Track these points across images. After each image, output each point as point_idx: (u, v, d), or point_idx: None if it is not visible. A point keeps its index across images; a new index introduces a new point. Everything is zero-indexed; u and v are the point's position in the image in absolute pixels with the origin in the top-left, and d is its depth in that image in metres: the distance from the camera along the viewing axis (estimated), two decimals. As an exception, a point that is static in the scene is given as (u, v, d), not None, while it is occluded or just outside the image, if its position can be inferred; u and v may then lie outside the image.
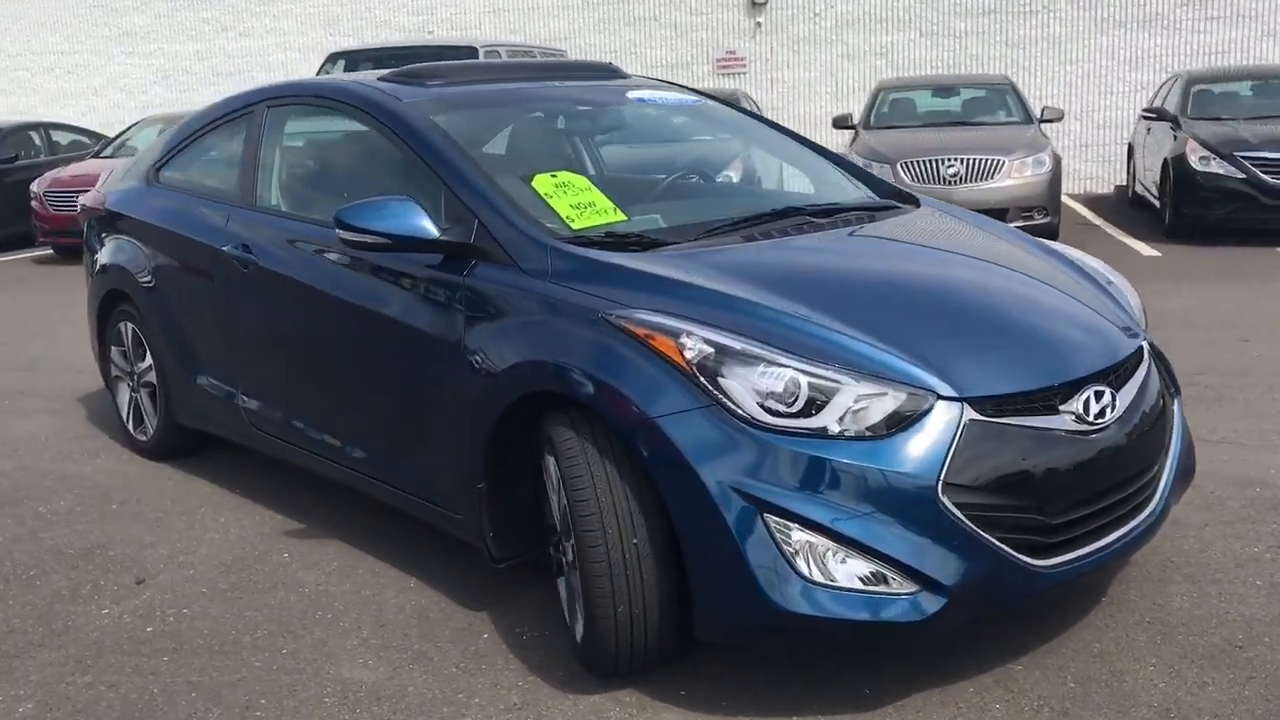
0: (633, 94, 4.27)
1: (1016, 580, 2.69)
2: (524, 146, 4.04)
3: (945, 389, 2.65)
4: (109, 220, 5.03)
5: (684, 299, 2.86)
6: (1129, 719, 2.68)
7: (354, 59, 12.72)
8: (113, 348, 5.08)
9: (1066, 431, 2.75)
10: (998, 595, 2.70)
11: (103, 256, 5.02)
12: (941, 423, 2.62)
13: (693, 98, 4.40)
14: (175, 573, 3.79)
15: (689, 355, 2.69)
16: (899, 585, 2.58)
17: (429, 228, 3.24)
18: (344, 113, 3.97)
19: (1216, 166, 10.51)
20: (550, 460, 2.94)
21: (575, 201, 3.36)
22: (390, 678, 3.04)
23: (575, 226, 3.25)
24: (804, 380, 2.63)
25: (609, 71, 4.53)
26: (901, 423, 2.61)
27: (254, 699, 2.96)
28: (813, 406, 2.62)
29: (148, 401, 4.91)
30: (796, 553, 2.57)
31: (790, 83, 16.56)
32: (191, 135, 4.71)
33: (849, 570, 2.58)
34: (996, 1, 15.93)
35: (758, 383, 2.64)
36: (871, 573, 2.58)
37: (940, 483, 2.58)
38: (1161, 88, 13.46)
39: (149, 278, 4.66)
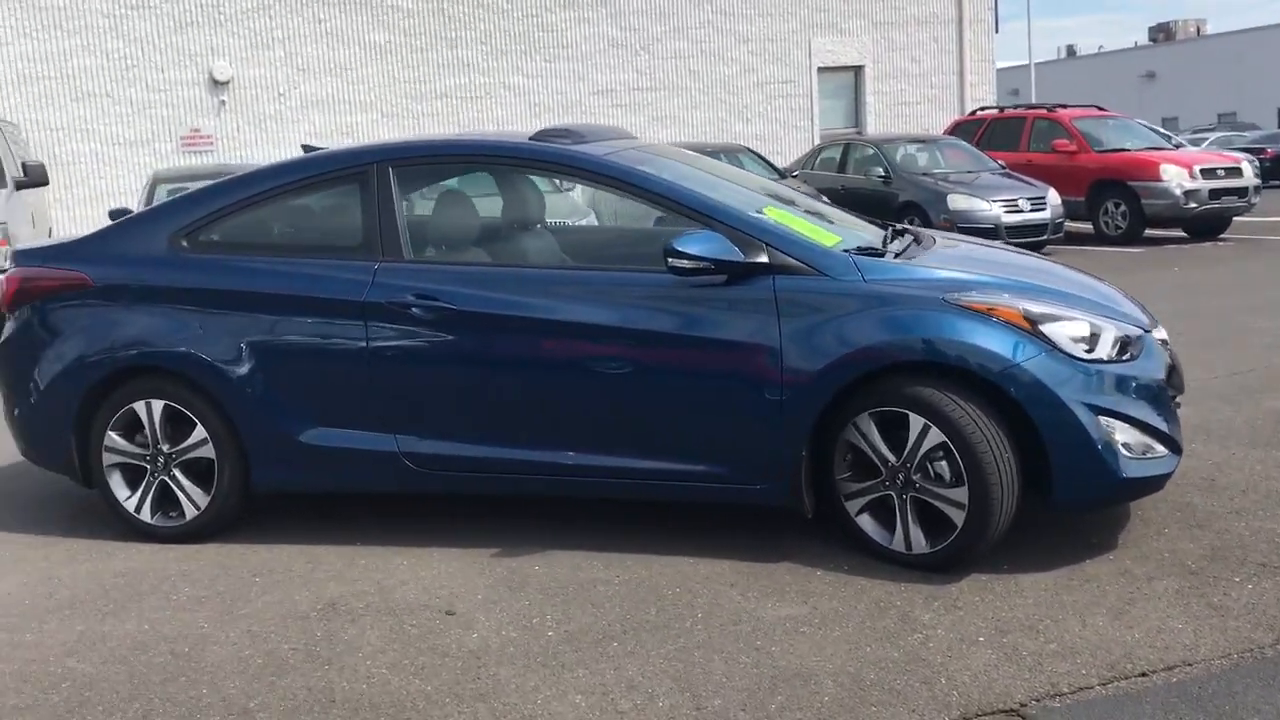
0: (682, 150, 5.21)
1: (1178, 447, 4.29)
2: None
3: (1146, 325, 4.18)
4: (102, 295, 4.65)
5: (979, 283, 4.06)
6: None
7: None
8: (110, 434, 4.66)
9: (1166, 348, 4.40)
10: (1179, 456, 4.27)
11: (97, 337, 4.62)
12: (1154, 345, 4.15)
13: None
14: (474, 599, 3.97)
15: (1028, 317, 3.91)
16: (1163, 450, 4.04)
17: (738, 252, 4.03)
18: (520, 170, 4.44)
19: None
20: (911, 415, 3.91)
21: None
22: (812, 609, 3.78)
23: (827, 244, 4.24)
24: (1089, 328, 3.99)
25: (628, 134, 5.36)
26: (1135, 348, 4.07)
27: (706, 641, 3.55)
28: (1094, 343, 3.98)
29: (187, 480, 4.63)
30: (1120, 439, 3.91)
31: (261, 161, 16.65)
32: (247, 200, 4.61)
33: (1141, 445, 3.98)
34: (448, 88, 17.62)
35: (1070, 331, 3.94)
36: (1149, 445, 4.00)
37: (1166, 381, 4.09)
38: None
39: (218, 344, 4.49)
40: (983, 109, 18.75)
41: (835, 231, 4.49)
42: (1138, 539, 4.26)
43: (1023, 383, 3.84)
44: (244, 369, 4.49)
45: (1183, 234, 16.04)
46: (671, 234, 4.12)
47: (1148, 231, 15.57)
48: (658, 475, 4.23)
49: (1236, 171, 15.54)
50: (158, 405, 4.60)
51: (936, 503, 3.95)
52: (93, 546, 4.70)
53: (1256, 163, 17.21)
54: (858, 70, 20.15)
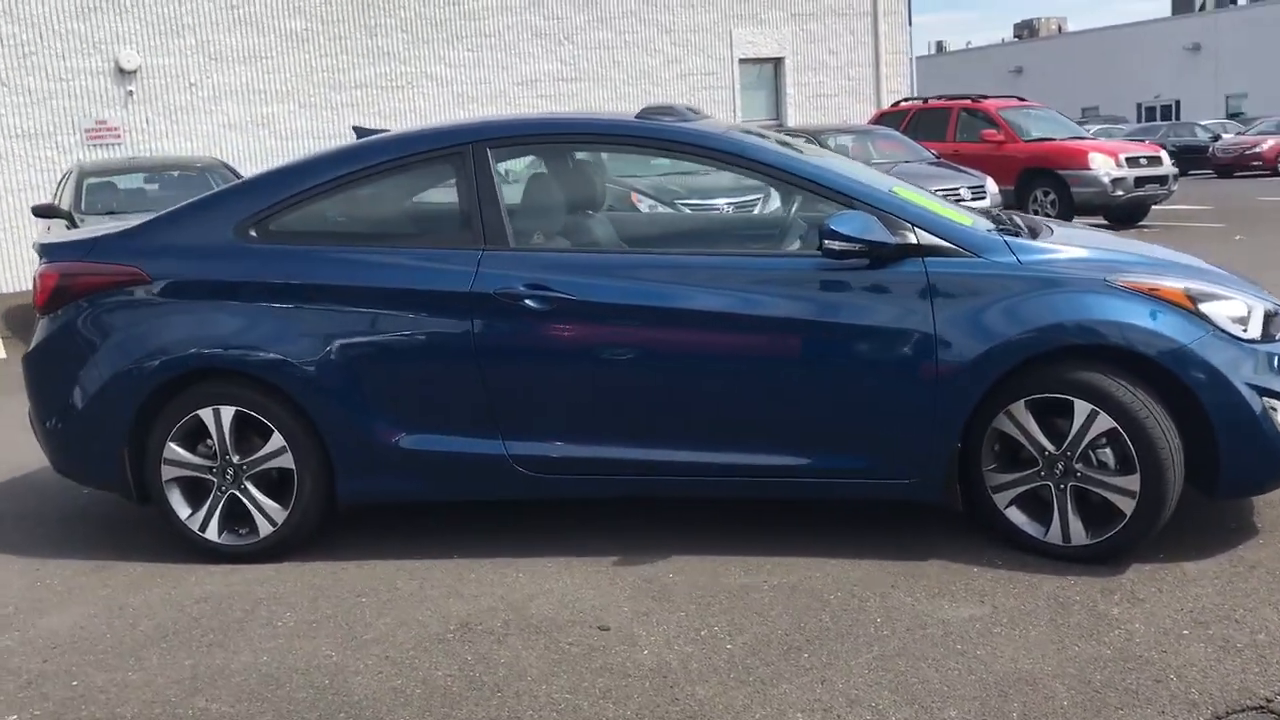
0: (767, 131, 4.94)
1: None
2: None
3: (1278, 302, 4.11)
4: (160, 292, 4.19)
5: (1131, 263, 3.92)
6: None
7: None
8: (170, 444, 4.20)
9: None
10: None
11: (156, 337, 4.16)
12: (1291, 322, 4.07)
13: None
14: (621, 611, 3.66)
15: (1190, 296, 3.77)
16: (1315, 432, 3.95)
17: (888, 234, 3.81)
18: (635, 151, 4.14)
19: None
20: (1076, 401, 3.74)
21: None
22: (993, 608, 3.59)
23: (967, 225, 4.04)
24: (1245, 307, 3.88)
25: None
26: (1277, 326, 3.97)
27: (902, 648, 3.33)
28: (1245, 322, 3.87)
29: (259, 494, 4.20)
30: (1279, 419, 3.81)
31: (172, 153, 15.78)
32: (324, 185, 4.18)
33: (1296, 427, 3.89)
34: (368, 77, 16.97)
35: (1228, 311, 3.82)
36: (1302, 426, 3.91)
37: (1308, 357, 4.02)
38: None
39: (300, 343, 4.07)
40: (906, 100, 18.93)
41: (964, 213, 4.30)
42: (1274, 522, 4.19)
43: (1192, 365, 3.71)
44: (330, 369, 4.08)
45: (1104, 221, 16.42)
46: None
47: (1074, 219, 15.89)
48: (798, 472, 3.98)
49: (1157, 160, 15.99)
50: (227, 412, 4.15)
51: (1102, 491, 3.79)
52: (154, 570, 4.23)
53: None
54: (778, 62, 20.12)
